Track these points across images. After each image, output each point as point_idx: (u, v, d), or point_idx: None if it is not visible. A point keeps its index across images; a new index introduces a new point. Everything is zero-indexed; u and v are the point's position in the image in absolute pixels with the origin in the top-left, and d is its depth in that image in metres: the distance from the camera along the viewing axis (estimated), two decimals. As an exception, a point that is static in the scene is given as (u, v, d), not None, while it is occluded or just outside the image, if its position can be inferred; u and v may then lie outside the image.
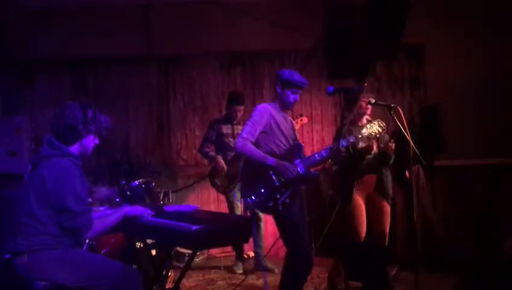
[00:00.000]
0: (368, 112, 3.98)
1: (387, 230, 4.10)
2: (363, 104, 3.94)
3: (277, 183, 3.17)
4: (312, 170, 3.35)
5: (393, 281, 4.25)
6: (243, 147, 3.22)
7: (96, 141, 2.78)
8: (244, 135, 3.25)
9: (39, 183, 2.58)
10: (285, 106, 3.43)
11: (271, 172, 3.17)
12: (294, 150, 3.34)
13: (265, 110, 3.35)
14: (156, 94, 6.05)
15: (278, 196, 3.14)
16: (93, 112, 2.71)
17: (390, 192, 4.08)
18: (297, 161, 3.25)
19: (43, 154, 2.66)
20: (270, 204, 3.13)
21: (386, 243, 4.12)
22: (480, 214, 4.95)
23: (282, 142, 3.34)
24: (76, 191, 2.56)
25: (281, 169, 3.16)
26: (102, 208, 3.33)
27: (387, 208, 4.09)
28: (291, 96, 3.36)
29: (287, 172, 3.14)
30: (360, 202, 4.00)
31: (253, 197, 3.14)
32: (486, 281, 3.82)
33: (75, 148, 2.69)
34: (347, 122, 3.99)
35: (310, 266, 3.29)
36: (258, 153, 3.22)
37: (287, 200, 3.14)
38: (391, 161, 3.99)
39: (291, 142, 3.40)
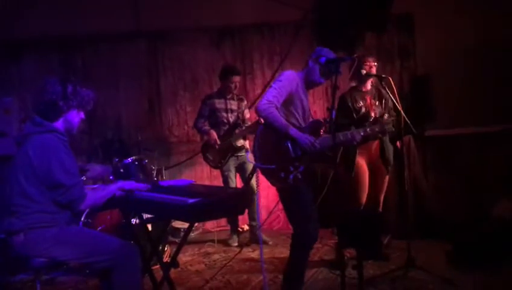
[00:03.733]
0: (373, 70, 3.98)
1: (382, 198, 4.19)
2: (367, 67, 3.94)
3: (293, 155, 3.03)
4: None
5: (386, 249, 4.35)
6: (266, 110, 2.99)
7: (81, 115, 2.75)
8: (271, 98, 3.02)
9: (25, 162, 2.58)
10: (309, 82, 3.23)
11: (288, 142, 3.02)
12: (314, 126, 3.17)
13: (294, 78, 3.13)
14: (145, 71, 6.00)
15: (292, 169, 3.00)
16: (73, 86, 2.68)
17: (391, 161, 4.16)
18: (317, 138, 3.08)
19: (26, 131, 2.65)
20: (282, 175, 2.99)
21: (380, 210, 4.21)
22: (471, 181, 5.03)
23: (300, 117, 3.17)
24: (64, 164, 2.57)
25: (301, 141, 3.01)
26: (96, 186, 3.34)
27: (387, 176, 4.18)
28: (318, 76, 3.17)
29: (306, 145, 3.00)
30: (364, 168, 4.08)
31: (265, 164, 3.00)
32: (477, 245, 3.92)
33: (59, 124, 2.67)
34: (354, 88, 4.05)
35: (311, 248, 3.19)
36: (281, 119, 3.02)
37: (299, 175, 3.00)
38: (390, 131, 4.02)
39: (308, 119, 3.26)
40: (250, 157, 4.91)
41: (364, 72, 3.92)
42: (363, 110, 3.95)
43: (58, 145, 2.59)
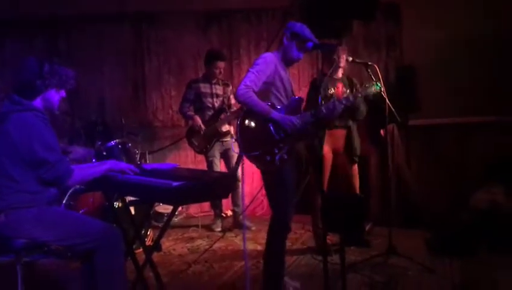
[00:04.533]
0: (342, 64, 4.04)
1: (357, 185, 4.24)
2: (336, 56, 3.97)
3: (276, 137, 3.02)
4: None
5: (368, 235, 4.42)
6: (245, 95, 2.98)
7: (62, 94, 2.72)
8: (248, 83, 3.00)
9: (6, 141, 2.54)
10: (288, 60, 3.22)
11: (270, 125, 3.02)
12: (294, 105, 3.17)
13: (271, 60, 3.11)
14: (130, 54, 5.94)
15: (276, 151, 2.99)
16: (51, 65, 2.64)
17: (358, 151, 4.20)
18: (297, 116, 3.09)
19: (4, 110, 2.61)
20: (268, 158, 2.98)
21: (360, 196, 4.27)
22: (453, 171, 5.10)
23: (283, 96, 3.16)
24: (46, 141, 2.54)
25: (282, 123, 3.01)
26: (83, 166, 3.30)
27: (355, 167, 4.23)
28: (296, 52, 3.17)
29: (288, 127, 3.00)
30: (328, 155, 4.13)
31: (249, 150, 2.99)
32: (454, 234, 4.01)
33: (37, 103, 2.64)
34: (325, 74, 4.04)
35: (288, 231, 3.18)
36: (261, 103, 3.02)
37: (285, 156, 3.00)
38: (361, 117, 4.07)
39: (290, 97, 3.24)
40: (235, 146, 4.90)
41: (350, 58, 3.92)
42: (335, 97, 3.95)
43: (38, 123, 2.56)
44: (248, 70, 3.11)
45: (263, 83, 3.07)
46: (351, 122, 4.13)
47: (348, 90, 4.06)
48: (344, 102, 3.35)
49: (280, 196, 3.12)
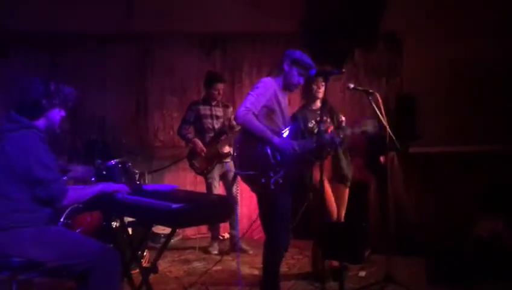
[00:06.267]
0: (320, 95, 3.92)
1: (343, 214, 4.14)
2: (315, 87, 3.90)
3: (272, 161, 3.05)
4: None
5: (366, 262, 4.38)
6: (244, 117, 3.01)
7: (62, 113, 2.74)
8: (248, 105, 3.05)
9: (3, 160, 2.54)
10: (288, 86, 3.27)
11: (267, 148, 3.05)
12: (292, 131, 3.22)
13: (271, 85, 3.18)
14: (134, 74, 5.98)
15: (272, 174, 3.02)
16: (56, 84, 2.68)
17: (349, 174, 4.09)
18: (297, 142, 3.14)
19: (2, 129, 2.61)
20: (263, 181, 3.01)
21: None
22: (452, 200, 5.09)
23: (280, 122, 3.20)
24: (42, 160, 2.54)
25: (282, 147, 3.04)
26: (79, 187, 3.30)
27: (344, 191, 4.11)
28: (297, 78, 3.23)
29: (288, 151, 3.04)
30: (325, 182, 4.07)
31: (245, 170, 3.03)
32: (456, 261, 3.98)
33: (40, 123, 2.66)
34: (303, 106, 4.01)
35: (282, 256, 3.23)
36: (260, 126, 3.05)
37: (280, 180, 3.03)
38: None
39: (288, 123, 3.30)
40: (230, 165, 4.91)
41: (351, 86, 3.92)
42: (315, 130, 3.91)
43: (36, 142, 2.57)
44: (248, 94, 3.16)
45: (262, 107, 3.12)
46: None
47: (328, 119, 3.97)
48: (341, 135, 3.39)
49: (272, 219, 3.13)
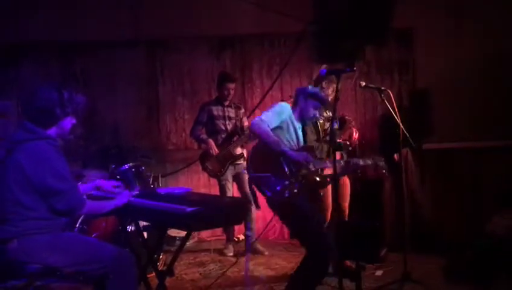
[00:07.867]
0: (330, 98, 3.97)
1: (347, 206, 4.19)
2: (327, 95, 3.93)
3: (287, 171, 3.08)
4: None
5: (382, 261, 4.35)
6: (259, 125, 3.07)
7: (73, 121, 2.73)
8: (263, 118, 3.12)
9: (18, 170, 2.53)
10: (304, 120, 3.37)
11: (281, 159, 3.08)
12: (306, 150, 3.24)
13: (287, 109, 3.27)
14: (144, 78, 5.98)
15: (287, 183, 3.05)
16: (69, 93, 2.66)
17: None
18: (311, 157, 3.19)
19: (17, 139, 2.59)
20: (278, 188, 3.03)
21: (346, 219, 4.21)
22: (468, 196, 5.03)
23: (294, 143, 3.25)
24: (57, 170, 2.54)
25: (295, 157, 3.08)
26: (94, 193, 3.31)
27: (345, 181, 4.21)
28: (312, 111, 3.33)
29: (301, 158, 3.08)
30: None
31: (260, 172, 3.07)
32: (472, 259, 3.93)
33: (52, 131, 2.64)
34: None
35: (326, 270, 3.15)
36: (274, 137, 3.11)
37: (295, 190, 3.04)
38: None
39: (301, 145, 3.34)
40: (244, 167, 4.92)
41: (363, 83, 3.91)
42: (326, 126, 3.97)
43: (50, 152, 2.56)
44: (266, 110, 3.25)
45: (277, 127, 3.18)
46: None
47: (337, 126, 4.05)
48: (362, 162, 3.46)
49: (305, 228, 3.10)
